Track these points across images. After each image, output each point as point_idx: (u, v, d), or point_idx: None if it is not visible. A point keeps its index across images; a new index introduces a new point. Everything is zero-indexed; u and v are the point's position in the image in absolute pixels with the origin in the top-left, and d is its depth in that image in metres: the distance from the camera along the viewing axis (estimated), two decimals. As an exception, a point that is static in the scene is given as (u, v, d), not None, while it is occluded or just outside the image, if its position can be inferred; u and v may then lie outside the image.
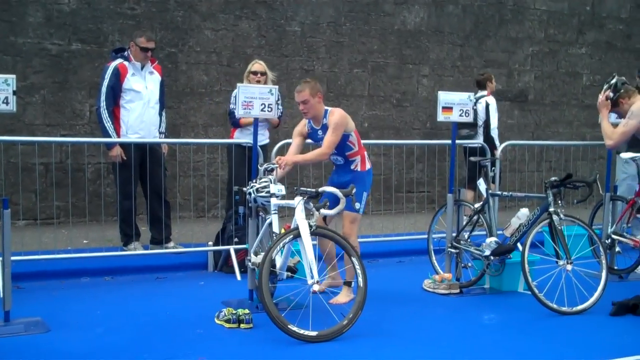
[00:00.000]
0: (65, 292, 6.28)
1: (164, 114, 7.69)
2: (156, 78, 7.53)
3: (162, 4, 9.62)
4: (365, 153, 6.08)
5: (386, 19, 11.06)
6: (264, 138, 7.87)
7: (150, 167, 7.32)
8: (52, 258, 6.72)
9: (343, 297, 5.92)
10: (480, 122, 9.22)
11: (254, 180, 5.76)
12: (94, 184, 9.05)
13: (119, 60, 7.30)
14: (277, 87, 6.04)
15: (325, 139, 5.80)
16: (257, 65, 7.79)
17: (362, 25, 10.89)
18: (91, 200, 8.47)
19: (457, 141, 8.55)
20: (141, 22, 9.42)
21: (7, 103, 4.98)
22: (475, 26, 11.73)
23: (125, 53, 7.37)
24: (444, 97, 6.56)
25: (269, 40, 10.28)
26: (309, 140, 6.19)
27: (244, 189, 5.82)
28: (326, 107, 5.94)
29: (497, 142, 9.09)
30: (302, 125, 6.10)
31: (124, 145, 7.20)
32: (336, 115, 5.83)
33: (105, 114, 7.18)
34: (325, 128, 5.86)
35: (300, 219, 5.21)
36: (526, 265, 5.82)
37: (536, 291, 5.76)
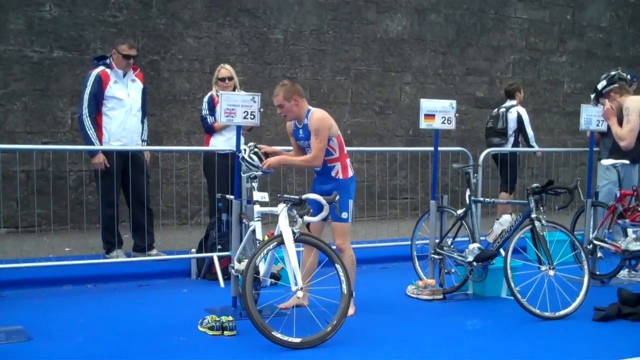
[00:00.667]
0: (47, 300, 6.23)
1: (146, 121, 7.66)
2: (138, 86, 7.50)
3: (144, 11, 9.60)
4: (348, 160, 5.90)
5: (369, 27, 11.11)
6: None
7: (133, 174, 7.28)
8: (33, 266, 6.66)
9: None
10: (510, 132, 9.34)
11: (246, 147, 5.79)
12: (76, 191, 9.00)
13: (101, 68, 7.27)
14: (259, 94, 6.01)
15: (312, 145, 5.68)
16: (224, 70, 7.69)
17: (345, 33, 10.93)
18: (73, 208, 8.41)
19: (491, 149, 8.77)
20: (123, 30, 9.40)
21: (-12, 110, 4.95)
22: (457, 34, 11.81)
23: (107, 61, 7.35)
24: (426, 104, 6.59)
25: (251, 48, 10.29)
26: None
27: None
28: (310, 108, 5.79)
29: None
30: (290, 124, 5.98)
31: (106, 153, 7.16)
32: (316, 120, 5.66)
33: (87, 122, 7.14)
34: (305, 128, 5.72)
35: (283, 226, 5.20)
36: (509, 271, 5.84)
37: (519, 296, 5.79)
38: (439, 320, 5.83)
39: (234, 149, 6.28)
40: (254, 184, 5.92)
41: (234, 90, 7.57)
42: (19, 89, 8.94)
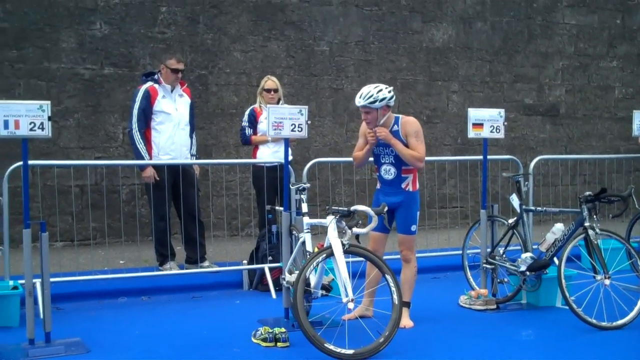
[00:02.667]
0: (103, 312, 6.35)
1: (194, 136, 7.77)
2: (186, 100, 7.61)
3: (192, 27, 9.76)
4: (417, 173, 5.91)
5: (414, 37, 11.09)
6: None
7: (183, 187, 7.38)
8: (89, 279, 6.80)
9: (407, 319, 5.80)
10: None
11: None
12: (129, 205, 9.16)
13: (149, 83, 7.41)
14: (306, 107, 6.05)
15: (416, 147, 5.67)
16: (270, 82, 7.77)
17: (391, 43, 10.93)
18: (126, 221, 8.57)
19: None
20: (171, 46, 9.56)
21: (42, 129, 5.07)
22: (504, 42, 11.71)
23: (156, 76, 7.48)
24: (474, 113, 6.55)
25: (297, 60, 10.36)
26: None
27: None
28: (397, 115, 5.83)
29: None
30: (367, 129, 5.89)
31: (156, 167, 7.28)
32: (414, 124, 5.76)
33: (137, 136, 7.28)
34: (396, 134, 5.71)
35: (332, 238, 5.21)
36: (563, 280, 5.76)
37: (574, 306, 5.71)
38: (492, 331, 5.77)
39: (282, 160, 6.34)
40: (302, 195, 5.96)
41: (278, 102, 7.64)
42: (71, 106, 9.15)
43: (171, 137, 7.39)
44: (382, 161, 5.83)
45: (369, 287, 5.82)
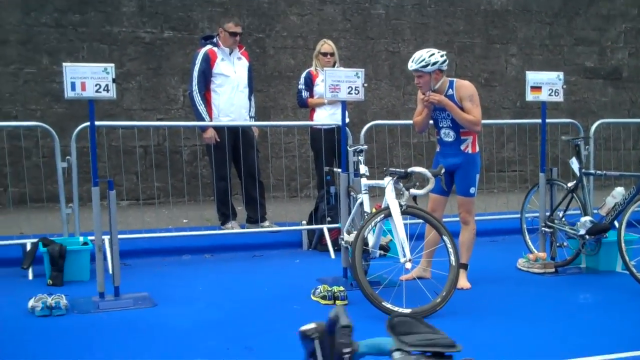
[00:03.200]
0: (168, 269, 6.55)
1: (253, 98, 7.86)
2: (244, 63, 7.70)
3: (249, -10, 9.81)
4: (476, 136, 5.88)
5: (472, 0, 10.94)
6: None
7: (243, 149, 7.50)
8: (154, 236, 7.01)
9: (465, 281, 5.83)
10: None
11: None
12: (191, 165, 9.36)
13: (208, 47, 7.51)
14: (362, 70, 6.07)
15: (471, 111, 5.65)
16: (326, 46, 7.80)
17: (448, 6, 10.82)
18: (189, 181, 8.77)
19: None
20: (229, 9, 9.65)
21: (107, 90, 5.19)
22: (564, 4, 11.47)
23: (214, 40, 7.57)
24: (533, 76, 6.48)
25: (354, 24, 10.34)
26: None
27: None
28: (451, 79, 5.82)
29: None
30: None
31: (216, 128, 7.41)
32: (469, 87, 5.74)
33: (197, 98, 7.41)
34: (451, 98, 5.69)
35: (390, 199, 5.26)
36: (622, 244, 5.73)
37: (634, 270, 5.68)
38: (550, 293, 5.78)
39: (339, 123, 6.39)
40: (360, 157, 6.01)
41: (333, 65, 7.67)
42: (133, 69, 9.34)
43: (230, 99, 7.50)
44: (441, 125, 5.84)
45: (427, 248, 5.87)
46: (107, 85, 5.18)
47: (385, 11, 10.50)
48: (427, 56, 5.62)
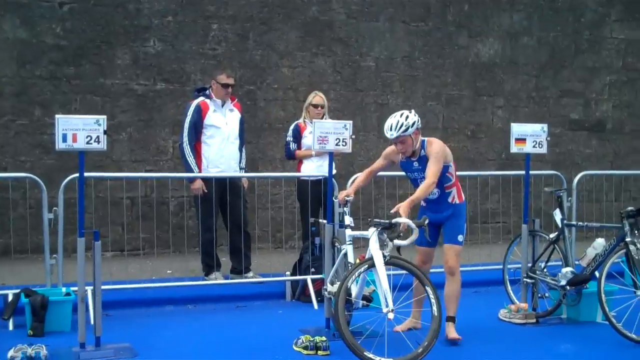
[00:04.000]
0: (151, 319, 6.56)
1: (244, 149, 7.96)
2: (236, 115, 7.81)
3: (241, 43, 10.00)
4: (459, 182, 5.96)
5: (460, 52, 11.16)
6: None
7: (231, 199, 7.57)
8: (138, 287, 7.03)
9: (454, 333, 5.75)
10: None
11: None
12: (177, 216, 9.40)
13: (201, 98, 7.64)
14: (351, 122, 6.19)
15: (428, 169, 5.59)
16: (318, 97, 7.92)
17: (436, 58, 11.02)
18: (174, 232, 8.80)
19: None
20: (222, 62, 9.81)
21: (98, 142, 5.27)
22: (550, 57, 11.69)
23: (207, 91, 7.71)
24: (517, 128, 6.59)
25: (344, 76, 10.53)
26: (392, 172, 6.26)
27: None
28: (423, 138, 5.79)
29: None
30: (394, 152, 5.92)
31: (205, 179, 7.49)
32: (435, 146, 5.67)
33: (187, 149, 7.50)
34: (423, 160, 5.70)
35: (374, 249, 5.32)
36: (603, 295, 5.77)
37: (614, 321, 5.71)
38: (531, 344, 5.80)
39: (326, 174, 6.48)
40: (345, 208, 6.10)
41: (322, 117, 7.79)
42: (124, 120, 9.46)
43: (220, 150, 7.59)
44: (420, 185, 5.72)
45: (415, 297, 5.86)
46: (98, 137, 5.26)
47: (375, 64, 10.69)
48: (403, 120, 5.62)
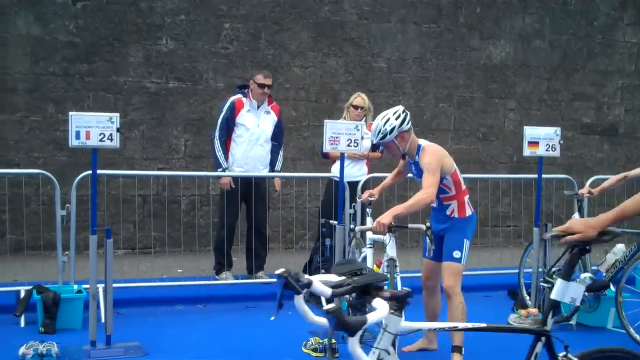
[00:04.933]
0: (161, 318, 6.58)
1: (281, 152, 7.90)
2: (272, 118, 7.76)
3: (254, 43, 10.02)
4: (467, 198, 5.35)
5: (472, 54, 11.14)
6: (359, 174, 7.87)
7: (255, 201, 7.58)
8: (149, 286, 7.07)
9: None
10: None
11: None
12: (188, 215, 9.44)
13: (237, 96, 7.66)
14: (362, 123, 6.19)
15: (423, 181, 5.11)
16: (359, 99, 7.87)
17: (448, 60, 11.01)
18: (185, 231, 8.84)
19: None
20: (234, 61, 9.84)
21: (111, 139, 5.30)
22: (563, 59, 11.66)
23: (246, 90, 7.72)
24: (530, 131, 6.56)
25: (355, 76, 10.52)
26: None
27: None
28: (420, 143, 5.27)
29: None
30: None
31: (229, 178, 7.50)
32: (427, 157, 5.10)
33: (217, 144, 7.53)
34: (417, 165, 5.26)
35: (392, 253, 5.30)
36: (620, 301, 5.75)
37: (630, 328, 5.68)
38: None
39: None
40: (368, 209, 6.03)
41: (363, 119, 7.65)
42: (137, 118, 9.50)
43: (246, 151, 7.58)
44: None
45: (427, 316, 5.51)
46: (111, 135, 5.29)
47: (386, 65, 10.69)
48: (382, 126, 5.14)
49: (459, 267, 5.18)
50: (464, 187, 5.32)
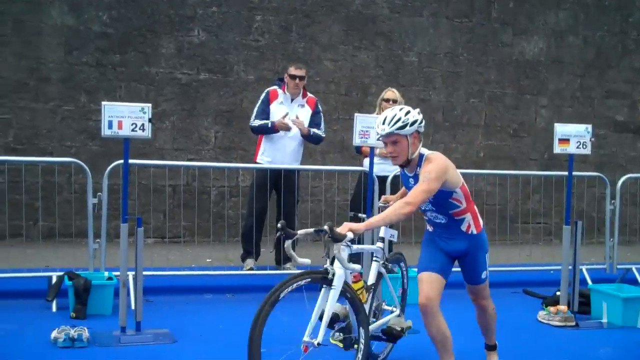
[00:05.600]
0: (189, 306, 6.62)
1: (319, 131, 7.86)
2: (306, 111, 7.77)
3: (285, 36, 10.04)
4: (476, 208, 4.74)
5: (504, 50, 11.06)
6: (393, 167, 7.86)
7: (284, 193, 7.61)
8: (178, 274, 7.14)
9: None
10: None
11: None
12: (218, 206, 9.49)
13: (274, 87, 7.72)
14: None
15: (413, 188, 4.40)
16: (390, 92, 7.91)
17: (480, 55, 10.94)
18: (215, 221, 8.89)
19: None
20: (265, 53, 9.87)
21: (143, 130, 5.34)
22: (596, 56, 11.52)
23: (282, 82, 7.78)
24: (561, 129, 6.50)
25: (386, 71, 10.50)
26: None
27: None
28: (423, 152, 4.49)
29: None
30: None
31: (259, 169, 7.59)
32: (431, 165, 4.35)
33: (254, 124, 7.63)
34: (416, 178, 4.46)
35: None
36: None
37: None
38: (568, 346, 5.74)
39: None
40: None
41: None
42: (168, 109, 9.57)
43: (274, 142, 7.63)
44: (423, 208, 4.63)
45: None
46: (143, 125, 5.33)
47: (417, 59, 10.65)
48: (402, 115, 4.41)
49: (487, 285, 4.82)
50: (470, 198, 4.66)
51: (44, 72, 9.15)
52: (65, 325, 5.34)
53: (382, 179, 7.48)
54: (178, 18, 9.61)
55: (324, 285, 4.58)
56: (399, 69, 10.57)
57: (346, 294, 4.59)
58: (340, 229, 4.19)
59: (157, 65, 9.55)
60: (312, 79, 10.14)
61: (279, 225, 4.36)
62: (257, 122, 7.60)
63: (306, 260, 4.55)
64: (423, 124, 4.45)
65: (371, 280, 4.90)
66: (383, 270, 5.01)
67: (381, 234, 5.07)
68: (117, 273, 5.93)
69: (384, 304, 5.24)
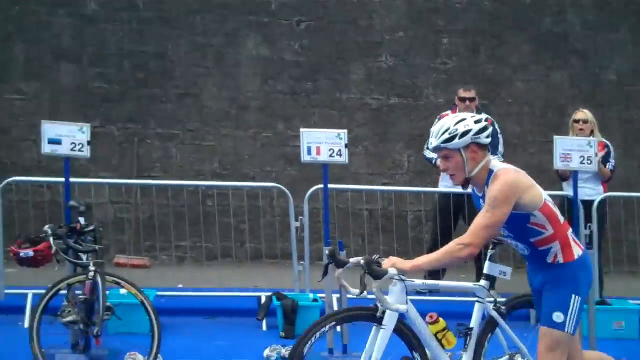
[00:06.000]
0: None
1: (498, 154, 7.74)
2: None
3: (473, 58, 9.93)
4: (570, 233, 3.80)
5: None
6: (594, 192, 7.47)
7: (468, 217, 7.49)
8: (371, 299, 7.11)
9: None
10: None
11: None
12: (415, 230, 9.45)
13: (447, 112, 7.69)
14: (594, 139, 5.93)
15: (474, 221, 3.70)
16: (580, 113, 7.67)
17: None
18: (413, 246, 8.90)
19: None
20: (453, 77, 9.79)
21: (340, 155, 5.47)
22: None
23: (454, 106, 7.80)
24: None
25: (583, 90, 10.06)
26: None
27: None
28: (493, 167, 3.71)
29: None
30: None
31: (442, 194, 7.54)
32: (497, 185, 3.60)
33: (426, 153, 7.64)
34: (485, 199, 3.72)
35: None
36: None
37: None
38: None
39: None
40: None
41: (590, 134, 7.39)
42: (361, 134, 9.72)
43: None
44: (505, 235, 3.92)
45: None
46: (340, 150, 5.47)
47: (617, 77, 10.12)
48: (452, 124, 3.70)
49: (560, 337, 3.66)
50: (562, 220, 3.78)
51: (244, 101, 9.62)
52: (277, 345, 5.53)
53: (587, 204, 7.14)
54: (366, 44, 9.79)
55: (375, 324, 3.91)
56: (595, 88, 10.10)
57: (402, 334, 3.90)
58: (384, 264, 3.76)
59: (348, 91, 9.76)
60: (504, 100, 9.95)
61: (326, 252, 4.12)
62: (428, 153, 7.52)
63: (355, 291, 3.88)
64: (485, 133, 3.69)
65: (473, 323, 4.04)
66: (495, 314, 4.10)
67: (485, 271, 4.14)
68: (323, 295, 6.05)
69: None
